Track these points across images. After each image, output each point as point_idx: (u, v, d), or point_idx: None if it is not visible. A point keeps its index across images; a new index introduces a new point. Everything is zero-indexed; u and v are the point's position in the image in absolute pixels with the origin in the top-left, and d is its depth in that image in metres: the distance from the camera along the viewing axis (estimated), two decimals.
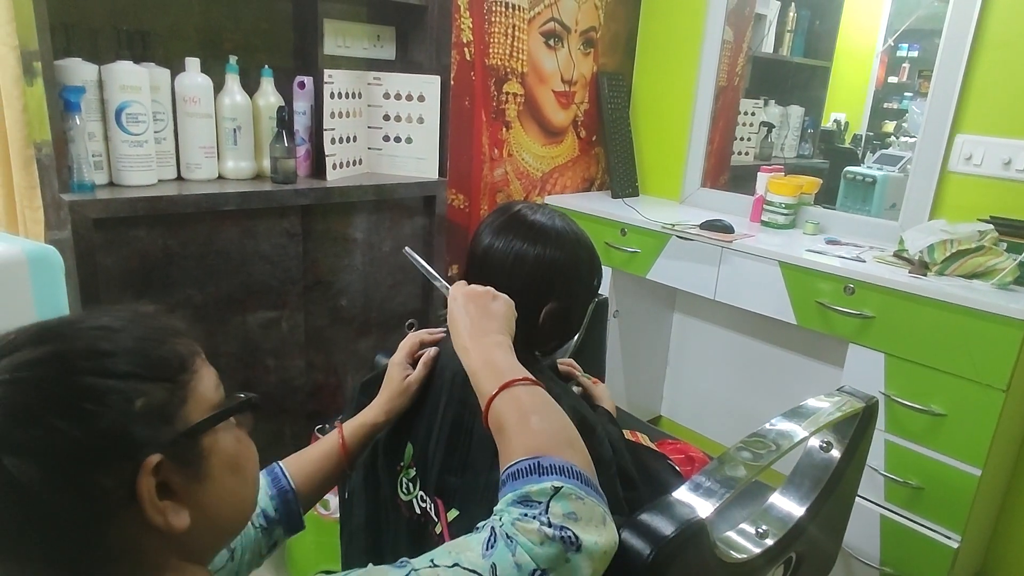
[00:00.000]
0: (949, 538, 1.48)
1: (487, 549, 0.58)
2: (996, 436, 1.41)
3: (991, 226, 1.57)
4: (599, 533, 0.62)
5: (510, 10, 2.13)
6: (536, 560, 0.57)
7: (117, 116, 1.36)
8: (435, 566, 0.57)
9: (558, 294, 0.90)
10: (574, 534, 0.59)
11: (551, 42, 2.27)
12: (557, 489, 0.61)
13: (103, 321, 0.53)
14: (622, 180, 2.47)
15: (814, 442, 1.07)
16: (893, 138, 2.60)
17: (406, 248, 1.00)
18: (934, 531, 1.51)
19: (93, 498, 0.48)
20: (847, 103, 2.84)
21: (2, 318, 1.02)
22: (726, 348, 2.28)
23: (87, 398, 0.48)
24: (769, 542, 0.95)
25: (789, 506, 1.01)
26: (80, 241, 1.27)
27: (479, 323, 0.81)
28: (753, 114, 2.65)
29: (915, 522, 1.53)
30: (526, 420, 0.69)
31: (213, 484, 0.55)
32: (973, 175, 1.71)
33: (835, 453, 1.06)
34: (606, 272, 2.04)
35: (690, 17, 2.32)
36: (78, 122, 1.29)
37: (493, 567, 0.57)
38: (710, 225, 1.92)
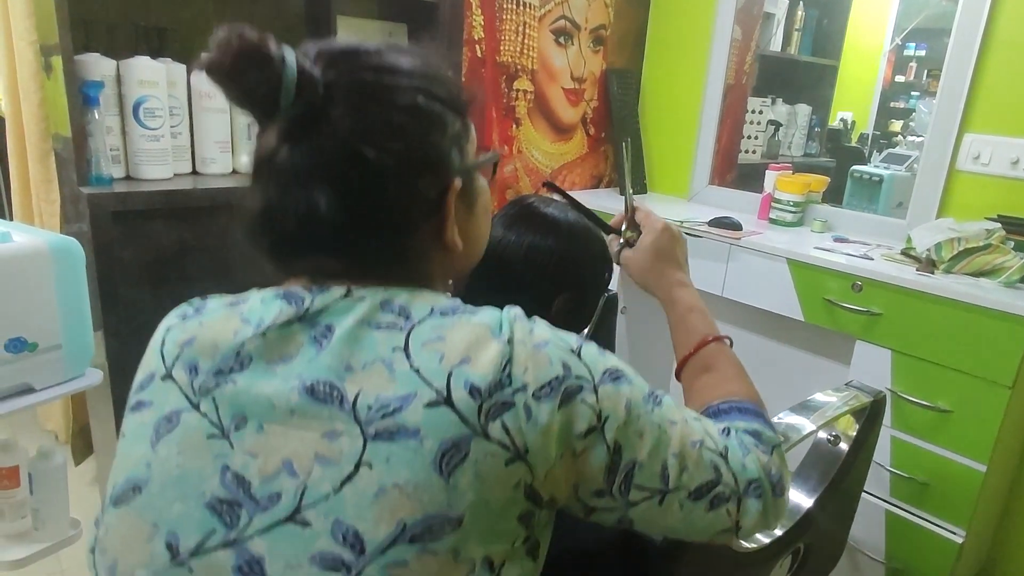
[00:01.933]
0: (954, 533, 1.50)
1: (722, 434, 0.63)
2: (1001, 432, 1.43)
3: (998, 225, 1.58)
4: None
5: (521, 7, 2.14)
6: (757, 474, 0.61)
7: (135, 111, 1.38)
8: (681, 411, 0.62)
9: (570, 286, 0.91)
10: (784, 485, 0.64)
11: (561, 39, 2.29)
12: (779, 444, 0.66)
13: (414, 52, 0.60)
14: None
15: (822, 435, 1.09)
16: (900, 137, 2.61)
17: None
18: (939, 526, 1.52)
19: (414, 199, 0.57)
20: (854, 102, 2.85)
21: (25, 308, 1.04)
22: (733, 344, 2.28)
23: (424, 115, 0.57)
24: (778, 532, 0.96)
25: (798, 497, 1.03)
26: (99, 233, 1.29)
27: (685, 266, 0.91)
28: (761, 112, 2.66)
29: (920, 517, 1.55)
30: (743, 373, 0.76)
31: (475, 220, 0.66)
32: (981, 174, 1.72)
33: (843, 446, 1.07)
34: (614, 269, 2.04)
35: (700, 15, 2.34)
36: (97, 116, 1.31)
37: (726, 449, 0.61)
38: (718, 222, 1.93)
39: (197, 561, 0.50)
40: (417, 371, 0.51)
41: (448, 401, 0.50)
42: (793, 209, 2.03)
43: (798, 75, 2.84)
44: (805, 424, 0.97)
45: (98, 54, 1.36)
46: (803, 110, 2.81)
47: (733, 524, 0.61)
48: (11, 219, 1.60)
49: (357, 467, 0.49)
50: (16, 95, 1.43)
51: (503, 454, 0.50)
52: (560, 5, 2.24)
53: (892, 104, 2.77)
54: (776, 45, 2.65)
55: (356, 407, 0.50)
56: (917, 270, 1.56)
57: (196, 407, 0.54)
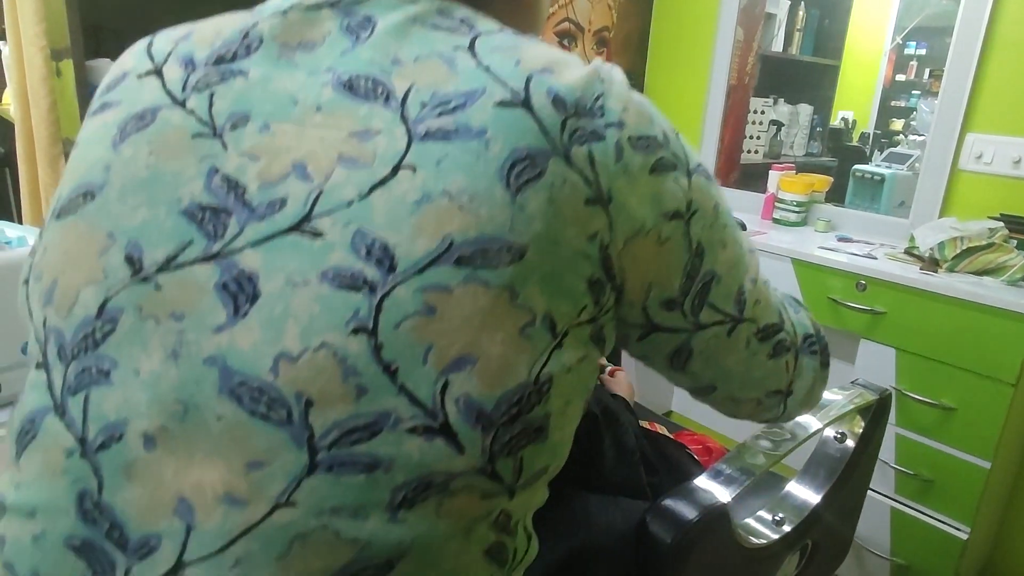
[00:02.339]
0: (959, 530, 1.51)
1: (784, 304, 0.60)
2: (1005, 429, 1.44)
3: (1001, 223, 1.60)
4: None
5: None
6: (812, 330, 0.60)
7: None
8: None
9: None
10: (829, 355, 0.63)
11: (565, 42, 2.30)
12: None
13: None
14: None
15: (829, 433, 1.10)
16: (901, 136, 2.62)
17: None
18: (944, 523, 1.53)
19: None
20: (855, 101, 2.85)
21: None
22: None
23: None
24: (786, 528, 0.97)
25: (805, 494, 1.04)
26: None
27: None
28: (763, 112, 2.67)
29: (925, 514, 1.56)
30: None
31: None
32: (983, 173, 1.73)
33: (849, 444, 1.08)
34: None
35: (703, 16, 2.35)
36: None
37: (783, 297, 0.59)
38: None
39: (167, 276, 0.41)
40: (487, 68, 0.42)
41: (526, 104, 0.41)
42: (797, 209, 2.05)
43: (800, 75, 2.85)
44: (812, 422, 0.98)
45: (108, 60, 1.37)
46: (805, 110, 2.82)
47: (787, 385, 0.58)
48: (20, 223, 1.62)
49: (395, 170, 0.40)
50: (25, 100, 1.45)
51: (584, 189, 0.41)
52: (564, 7, 2.25)
53: (893, 103, 2.77)
54: (778, 46, 2.66)
55: (406, 103, 0.41)
56: (921, 269, 1.58)
57: (181, 103, 0.44)
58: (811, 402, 0.62)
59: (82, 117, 1.30)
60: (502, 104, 0.41)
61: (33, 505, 0.42)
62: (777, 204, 2.08)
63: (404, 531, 0.39)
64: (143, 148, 0.44)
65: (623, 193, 0.43)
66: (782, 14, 2.62)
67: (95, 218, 0.43)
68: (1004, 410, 1.41)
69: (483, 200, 0.39)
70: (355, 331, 0.38)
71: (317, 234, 0.39)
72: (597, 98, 0.43)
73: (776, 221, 2.09)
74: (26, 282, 0.47)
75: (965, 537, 1.50)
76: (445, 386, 0.39)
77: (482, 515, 0.43)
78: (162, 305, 0.41)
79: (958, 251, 1.55)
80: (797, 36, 2.72)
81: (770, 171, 2.16)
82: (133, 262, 0.41)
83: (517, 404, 0.40)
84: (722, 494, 0.82)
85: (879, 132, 2.73)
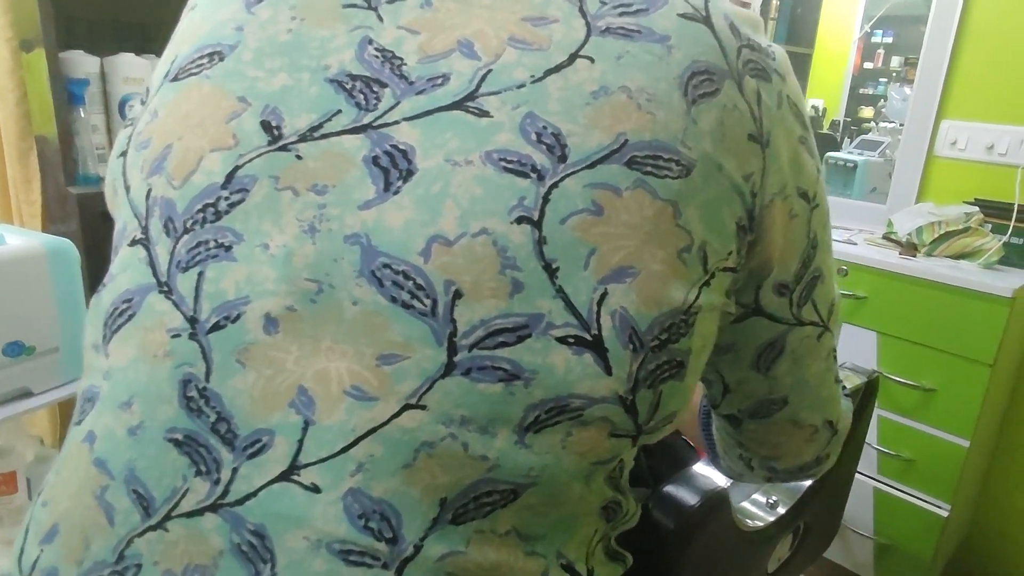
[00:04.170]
0: (939, 507, 1.55)
1: None
2: (983, 409, 1.47)
3: (976, 208, 1.63)
4: None
5: None
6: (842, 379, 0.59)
7: (120, 109, 1.36)
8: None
9: None
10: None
11: None
12: None
13: None
14: None
15: None
16: (872, 123, 2.67)
17: None
18: (925, 501, 1.57)
19: None
20: (825, 89, 2.89)
21: (22, 311, 1.02)
22: None
23: None
24: (781, 511, 0.99)
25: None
26: (89, 234, 1.27)
27: None
28: None
29: (907, 493, 1.59)
30: None
31: None
32: (958, 159, 1.77)
33: None
34: None
35: None
36: (82, 115, 1.29)
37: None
38: None
39: (310, 146, 0.37)
40: None
41: (707, 22, 0.40)
42: None
43: None
44: None
45: (81, 51, 1.34)
46: None
47: (836, 417, 0.56)
48: None
49: (573, 58, 0.37)
50: None
51: (750, 122, 0.40)
52: None
53: (861, 91, 2.82)
54: None
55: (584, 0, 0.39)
56: (900, 254, 1.61)
57: None
58: (840, 448, 0.61)
59: (56, 110, 1.27)
60: (685, 16, 0.40)
61: (130, 393, 0.37)
62: None
63: (532, 459, 0.36)
64: (284, 11, 0.40)
65: (778, 142, 0.42)
66: (756, 2, 2.64)
67: (225, 79, 0.39)
68: (982, 390, 1.45)
69: (661, 103, 0.37)
70: (519, 220, 0.35)
71: (483, 113, 0.36)
72: (766, 44, 0.43)
73: None
74: (122, 154, 0.43)
75: (945, 514, 1.54)
76: (603, 296, 0.36)
77: (604, 459, 0.40)
78: (302, 176, 0.37)
79: (936, 236, 1.58)
80: (771, 24, 2.74)
81: None
82: (271, 129, 0.38)
83: (667, 330, 0.38)
84: (720, 479, 0.83)
85: (849, 119, 2.77)
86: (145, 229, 0.39)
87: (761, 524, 0.96)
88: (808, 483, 1.05)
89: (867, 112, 2.74)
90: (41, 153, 1.40)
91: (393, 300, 0.35)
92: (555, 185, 0.36)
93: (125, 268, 0.40)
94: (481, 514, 0.36)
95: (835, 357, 0.54)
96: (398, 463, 0.35)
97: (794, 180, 0.44)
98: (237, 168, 0.38)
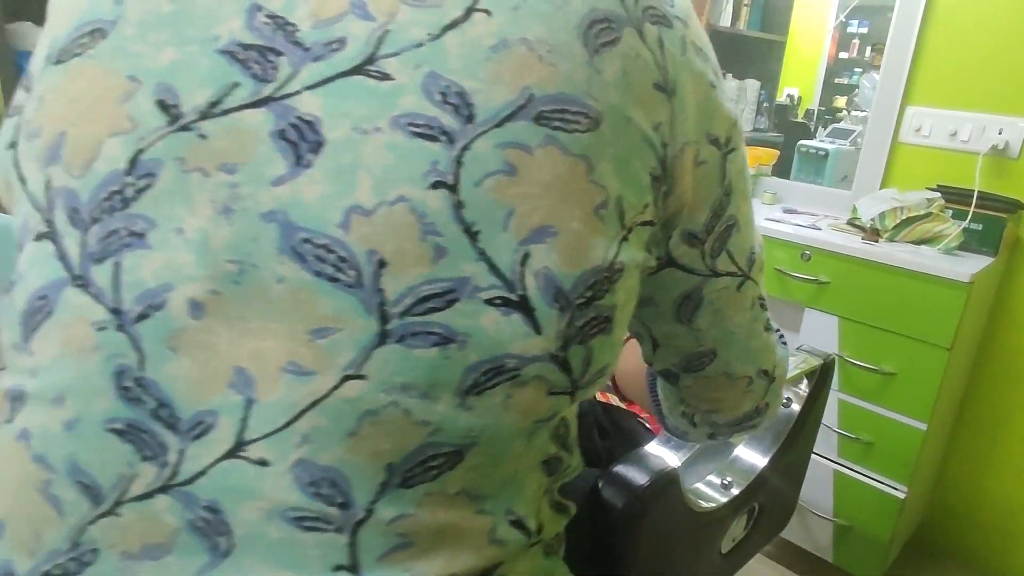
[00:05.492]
0: (897, 489, 1.57)
1: None
2: (941, 392, 1.50)
3: (938, 194, 1.65)
4: None
5: None
6: (777, 327, 0.60)
7: None
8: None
9: None
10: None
11: None
12: None
13: None
14: None
15: None
16: (844, 112, 2.68)
17: None
18: (883, 483, 1.59)
19: None
20: (800, 78, 2.90)
21: None
22: None
23: None
24: (734, 492, 0.99)
25: (753, 458, 1.06)
26: None
27: None
28: None
29: (865, 475, 1.62)
30: None
31: None
32: (922, 146, 1.78)
33: (795, 408, 1.11)
34: None
35: None
36: None
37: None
38: None
39: (212, 124, 0.36)
40: None
41: None
42: None
43: (747, 50, 2.88)
44: None
45: (30, 23, 1.30)
46: (752, 85, 2.86)
47: (772, 366, 0.57)
48: None
49: (468, 12, 0.37)
50: None
51: (654, 70, 0.40)
52: None
53: (836, 80, 2.83)
54: (726, 20, 2.68)
55: None
56: (862, 239, 1.62)
57: None
58: (780, 396, 0.61)
59: (3, 85, 1.23)
60: None
61: (59, 389, 0.37)
62: None
63: (473, 419, 0.37)
64: None
65: (686, 89, 0.42)
66: None
67: (110, 59, 0.37)
68: (940, 373, 1.47)
69: (562, 54, 0.37)
70: (434, 185, 0.35)
71: (385, 76, 0.36)
72: None
73: None
74: (12, 145, 0.41)
75: (903, 496, 1.56)
76: (526, 257, 0.36)
77: (544, 416, 0.41)
78: (209, 156, 0.36)
79: (898, 221, 1.60)
80: (744, 11, 2.74)
81: None
82: (168, 108, 0.36)
83: (592, 288, 0.39)
84: (672, 459, 0.83)
85: (823, 108, 2.79)
86: (50, 223, 0.38)
87: (714, 505, 0.96)
88: (763, 464, 1.06)
89: (841, 101, 2.75)
90: None
91: (318, 274, 0.35)
92: (466, 147, 0.35)
93: (34, 264, 0.39)
94: (429, 477, 0.37)
95: (762, 305, 0.54)
96: (343, 432, 0.35)
97: (702, 127, 0.44)
98: (140, 152, 0.37)
